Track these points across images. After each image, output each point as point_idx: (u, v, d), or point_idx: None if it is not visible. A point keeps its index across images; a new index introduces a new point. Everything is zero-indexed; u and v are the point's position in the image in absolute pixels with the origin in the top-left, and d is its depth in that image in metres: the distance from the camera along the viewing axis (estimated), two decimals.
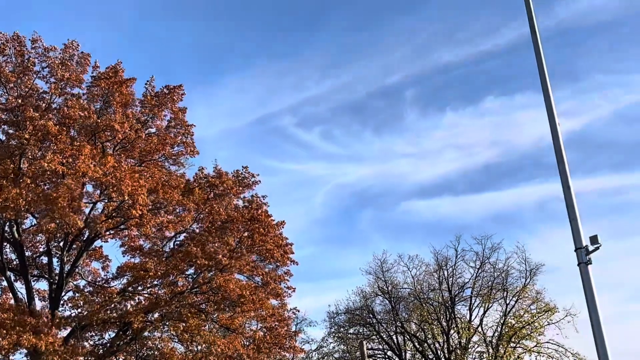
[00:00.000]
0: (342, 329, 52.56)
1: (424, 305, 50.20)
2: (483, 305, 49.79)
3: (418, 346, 50.40)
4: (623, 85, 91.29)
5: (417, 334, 50.81)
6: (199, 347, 27.97)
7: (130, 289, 28.38)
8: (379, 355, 51.60)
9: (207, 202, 28.68)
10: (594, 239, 13.88)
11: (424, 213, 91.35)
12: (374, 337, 51.60)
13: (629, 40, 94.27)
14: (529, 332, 48.11)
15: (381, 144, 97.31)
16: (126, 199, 24.35)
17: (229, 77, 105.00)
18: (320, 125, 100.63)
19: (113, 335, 28.25)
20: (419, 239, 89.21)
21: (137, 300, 28.00)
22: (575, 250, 14.18)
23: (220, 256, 26.79)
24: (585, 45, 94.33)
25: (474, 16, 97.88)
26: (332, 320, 52.81)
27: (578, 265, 14.08)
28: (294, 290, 31.21)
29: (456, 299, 50.46)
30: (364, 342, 40.09)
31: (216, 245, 27.67)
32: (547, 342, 47.55)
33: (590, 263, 13.94)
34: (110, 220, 26.17)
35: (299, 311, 32.63)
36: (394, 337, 51.25)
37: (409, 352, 51.68)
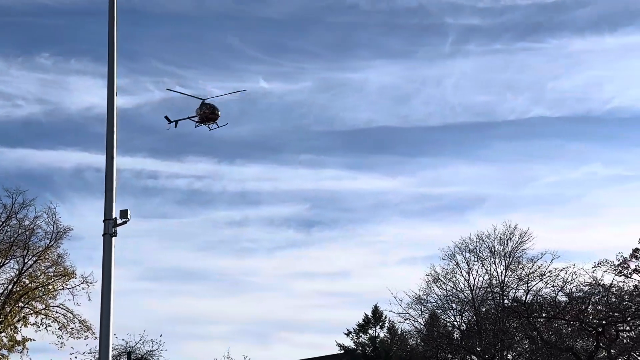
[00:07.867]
0: None
1: None
2: None
3: None
4: (174, 77, 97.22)
5: None
6: None
7: None
8: None
9: None
10: (123, 213, 14.48)
11: None
12: None
13: (188, 37, 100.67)
14: (42, 294, 47.50)
15: None
16: None
17: None
18: None
19: None
20: None
21: None
22: (104, 221, 14.59)
23: None
24: (149, 30, 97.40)
25: None
26: None
27: (103, 235, 14.51)
28: None
29: None
30: None
31: None
32: (57, 306, 47.52)
33: (115, 235, 14.50)
34: None
35: None
36: None
37: None
